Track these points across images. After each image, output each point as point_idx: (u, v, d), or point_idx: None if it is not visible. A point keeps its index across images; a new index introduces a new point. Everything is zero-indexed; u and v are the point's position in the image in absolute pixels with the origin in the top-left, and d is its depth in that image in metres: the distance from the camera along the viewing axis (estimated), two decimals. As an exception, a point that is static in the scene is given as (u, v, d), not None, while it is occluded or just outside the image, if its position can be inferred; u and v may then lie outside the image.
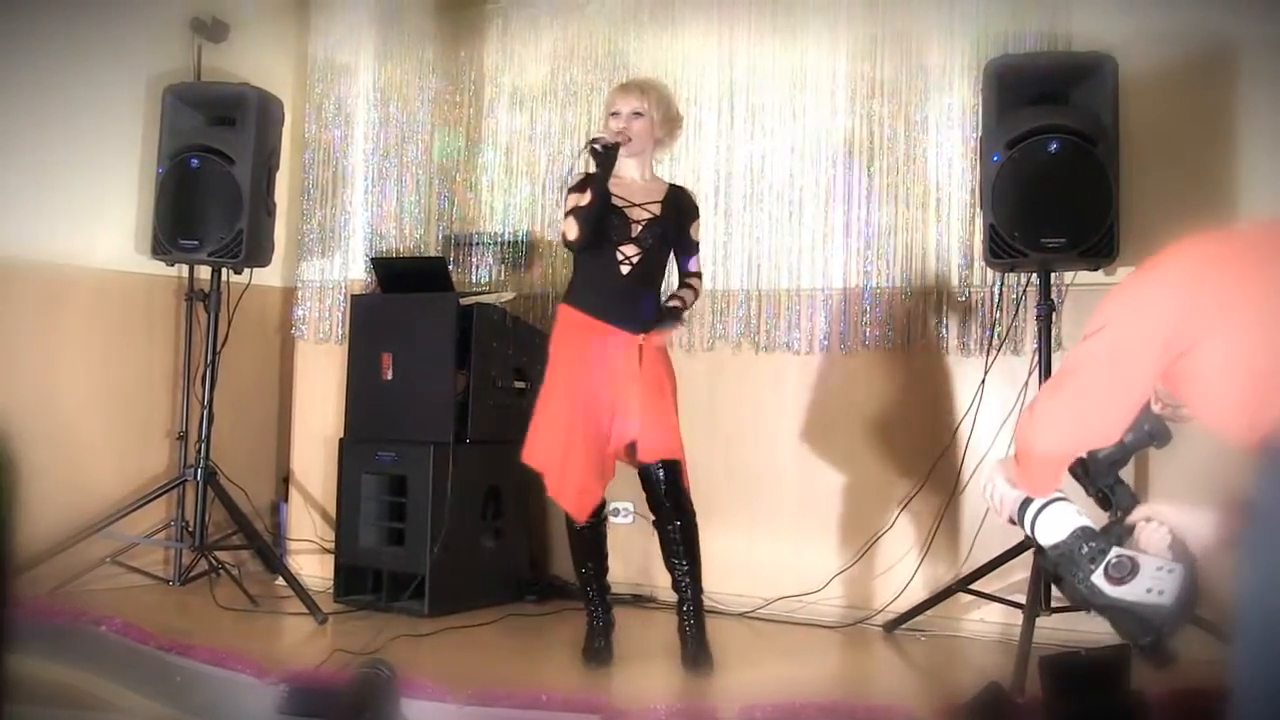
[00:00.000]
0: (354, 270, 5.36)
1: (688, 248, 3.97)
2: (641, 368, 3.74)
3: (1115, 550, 2.14)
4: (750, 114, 4.97)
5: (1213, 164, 4.11)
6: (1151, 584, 2.12)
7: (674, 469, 3.74)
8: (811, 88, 4.86)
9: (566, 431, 3.74)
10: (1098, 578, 2.14)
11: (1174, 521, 2.14)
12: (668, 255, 3.96)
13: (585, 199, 3.74)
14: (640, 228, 3.84)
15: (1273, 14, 4.01)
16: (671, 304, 3.84)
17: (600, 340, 3.79)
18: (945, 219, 4.60)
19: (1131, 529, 2.18)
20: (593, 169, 3.78)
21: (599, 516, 3.88)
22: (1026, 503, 2.28)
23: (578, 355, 3.79)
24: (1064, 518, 2.22)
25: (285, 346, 5.62)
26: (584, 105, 5.26)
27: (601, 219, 3.77)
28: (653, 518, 3.84)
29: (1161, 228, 4.06)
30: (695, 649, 3.75)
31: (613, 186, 3.83)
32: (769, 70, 4.94)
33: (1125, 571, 2.12)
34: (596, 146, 3.76)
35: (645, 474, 3.77)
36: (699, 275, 3.99)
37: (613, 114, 3.86)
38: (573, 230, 3.74)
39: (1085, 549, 2.16)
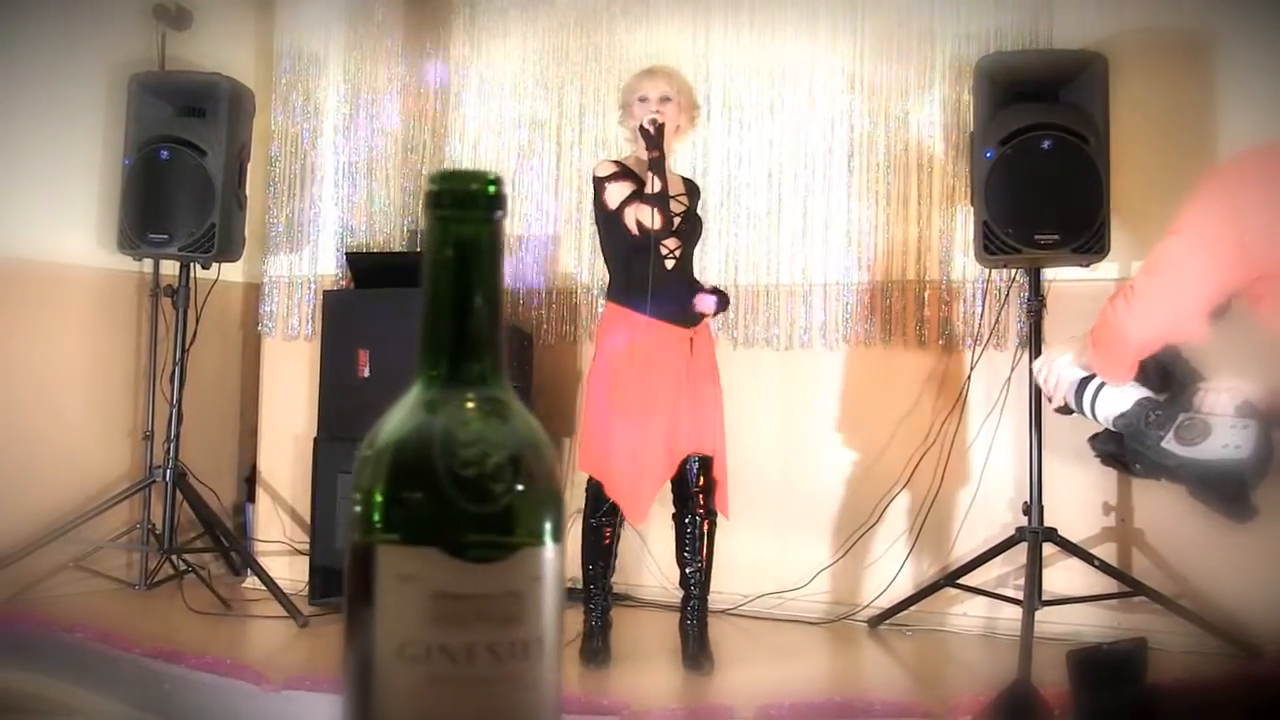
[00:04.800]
0: (323, 265, 5.24)
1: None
2: (691, 362, 3.71)
3: (1183, 415, 2.13)
4: (727, 109, 4.94)
5: (1197, 160, 4.16)
6: (1227, 440, 2.11)
7: (709, 464, 3.72)
8: (789, 83, 4.85)
9: (626, 433, 3.67)
10: (1169, 442, 2.13)
11: (1239, 387, 2.16)
12: (696, 240, 3.97)
13: (630, 187, 3.68)
14: (679, 220, 3.81)
15: (1254, 8, 4.08)
16: (716, 289, 3.84)
17: (654, 337, 3.72)
18: (926, 214, 4.62)
19: (1194, 398, 2.18)
20: (608, 160, 3.74)
21: (619, 517, 3.82)
22: (1083, 385, 2.29)
23: (630, 353, 3.71)
24: (1125, 390, 2.23)
25: (248, 344, 5.48)
26: (555, 99, 5.20)
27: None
28: (673, 510, 3.81)
29: (1151, 225, 4.16)
30: (697, 649, 3.72)
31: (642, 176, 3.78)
32: (746, 65, 4.91)
33: (1196, 433, 2.11)
34: (648, 127, 3.69)
35: (680, 465, 3.73)
36: None
37: (640, 99, 3.80)
38: (649, 218, 3.64)
39: (1152, 416, 2.15)
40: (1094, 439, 2.36)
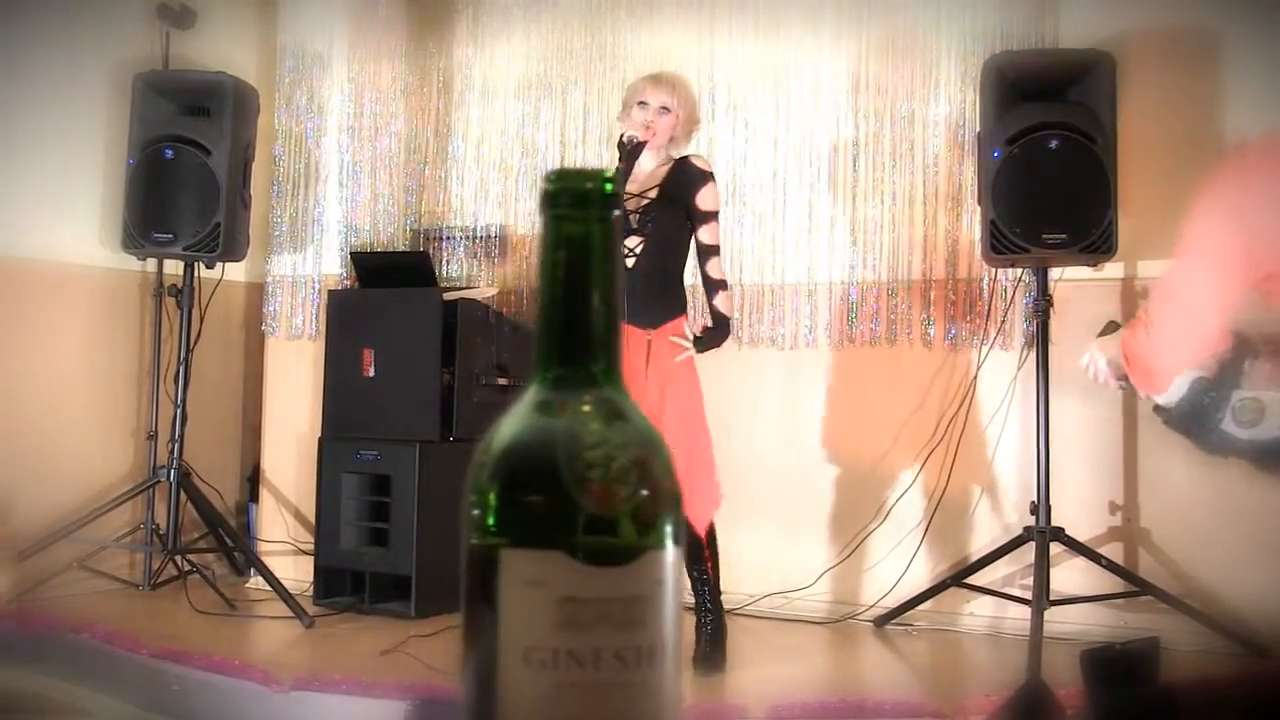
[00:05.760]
0: (327, 264, 5.23)
1: (699, 218, 3.82)
2: (649, 365, 3.68)
3: (1237, 394, 2.14)
4: (731, 108, 4.93)
5: (1205, 159, 4.16)
6: None
7: None
8: (795, 82, 4.84)
9: None
10: (1228, 425, 2.15)
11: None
12: (681, 235, 3.85)
13: None
14: (638, 216, 3.79)
15: (1261, 6, 4.09)
16: (700, 334, 3.82)
17: None
18: (932, 214, 4.62)
19: (1245, 374, 2.19)
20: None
21: None
22: None
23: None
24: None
25: (249, 343, 5.47)
26: (559, 98, 5.20)
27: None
28: None
29: (1159, 224, 4.17)
30: (710, 648, 3.72)
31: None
32: (750, 63, 4.91)
33: (1252, 414, 2.13)
34: (624, 142, 3.71)
35: None
36: (723, 284, 3.88)
37: (640, 103, 3.80)
38: None
39: (1207, 399, 2.17)
40: (1156, 409, 2.38)
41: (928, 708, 3.15)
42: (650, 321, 3.70)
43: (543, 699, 0.60)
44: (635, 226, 3.78)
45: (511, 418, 0.66)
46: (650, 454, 0.64)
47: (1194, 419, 2.18)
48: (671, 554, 0.64)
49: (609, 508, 0.63)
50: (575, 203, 0.65)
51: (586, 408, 0.65)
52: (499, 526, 0.64)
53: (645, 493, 0.64)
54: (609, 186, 0.65)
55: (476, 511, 0.64)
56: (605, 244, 0.65)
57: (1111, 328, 2.45)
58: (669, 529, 0.64)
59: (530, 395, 0.66)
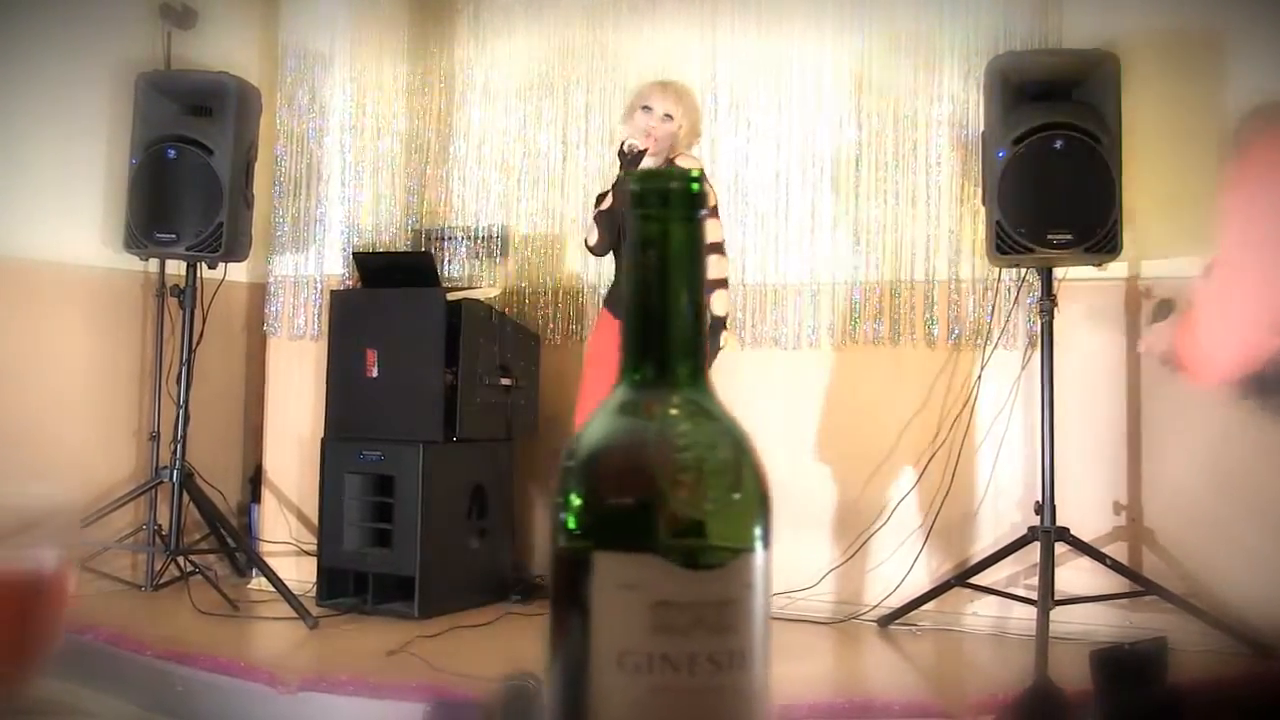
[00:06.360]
0: (329, 265, 5.23)
1: None
2: None
3: None
4: (734, 107, 4.93)
5: (1210, 159, 4.17)
6: None
7: None
8: (797, 81, 4.84)
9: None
10: None
11: None
12: None
13: (605, 204, 3.74)
14: None
15: (1265, 5, 4.09)
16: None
17: (612, 338, 3.76)
18: (935, 213, 4.62)
19: None
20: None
21: None
22: None
23: (602, 357, 3.78)
24: None
25: (251, 343, 5.46)
26: (561, 98, 5.19)
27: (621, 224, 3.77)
28: None
29: (1164, 224, 4.18)
30: None
31: None
32: (753, 63, 4.91)
33: None
34: (625, 150, 3.72)
35: None
36: (720, 283, 3.88)
37: (644, 108, 3.82)
38: (593, 235, 3.74)
39: (1274, 371, 2.18)
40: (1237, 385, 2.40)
41: (935, 708, 3.16)
42: None
43: (636, 703, 0.60)
44: None
45: (598, 419, 0.66)
46: (741, 455, 0.64)
47: (1263, 389, 2.19)
48: (761, 557, 0.64)
49: (703, 510, 0.63)
50: (661, 202, 0.65)
51: (674, 409, 0.64)
52: (590, 530, 0.64)
53: (738, 495, 0.64)
54: (695, 186, 0.65)
55: (565, 514, 0.64)
56: (690, 244, 0.65)
57: (1165, 308, 2.46)
58: (759, 531, 0.64)
59: (616, 396, 0.66)
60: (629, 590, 0.59)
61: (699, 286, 0.65)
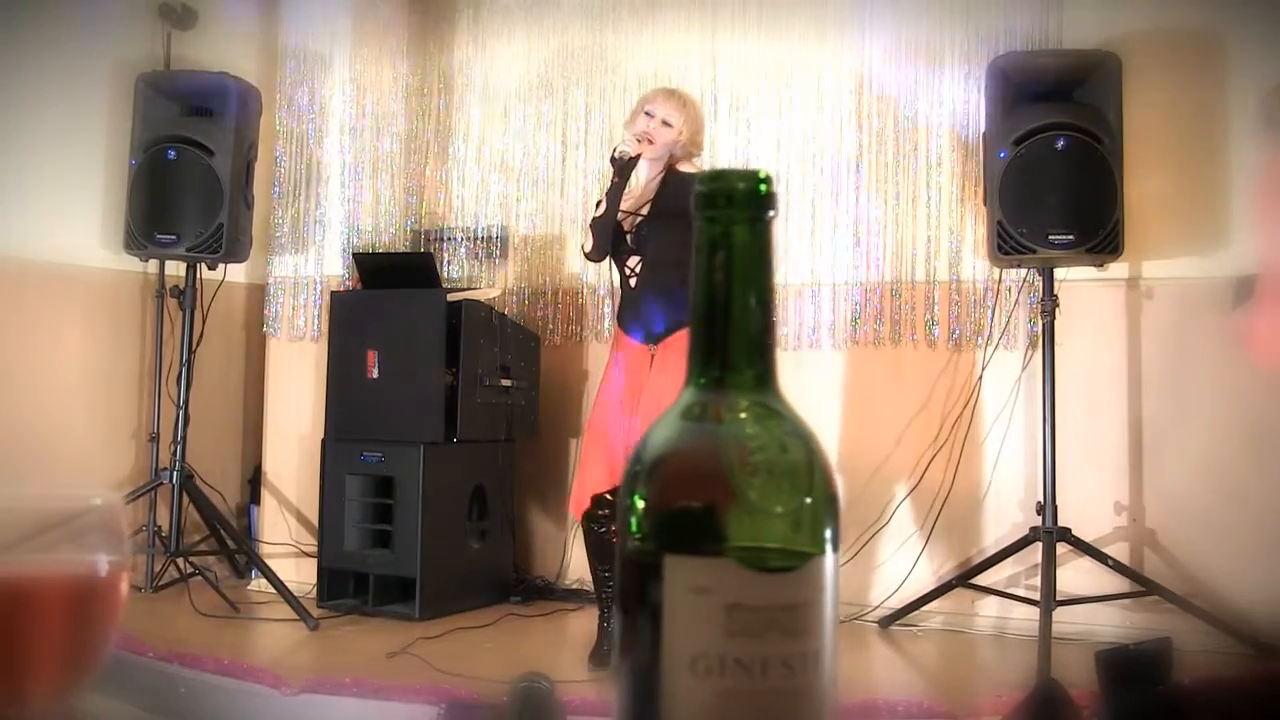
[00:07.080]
0: (328, 266, 5.22)
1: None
2: (649, 376, 3.69)
3: None
4: (734, 108, 4.93)
5: (1211, 159, 4.18)
6: None
7: None
8: (797, 82, 4.84)
9: (591, 443, 3.81)
10: None
11: None
12: (680, 250, 3.81)
13: (600, 211, 3.74)
14: (633, 235, 3.81)
15: (1266, 6, 4.10)
16: None
17: (623, 353, 3.80)
18: (936, 214, 4.62)
19: None
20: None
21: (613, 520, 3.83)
22: None
23: (609, 370, 3.82)
24: None
25: (250, 344, 5.45)
26: (560, 99, 5.19)
27: (617, 231, 3.77)
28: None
29: (1165, 224, 4.18)
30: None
31: (624, 198, 3.81)
32: (753, 64, 4.91)
33: None
34: (616, 155, 3.72)
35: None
36: None
37: (646, 112, 3.81)
38: (588, 242, 3.74)
39: None
40: None
41: (939, 708, 3.16)
42: (653, 336, 3.72)
43: (709, 707, 0.59)
44: (632, 246, 3.79)
45: (666, 422, 0.65)
46: (813, 458, 0.64)
47: None
48: (831, 560, 0.63)
49: (775, 513, 0.62)
50: (728, 203, 0.65)
51: (743, 412, 0.64)
52: (660, 533, 0.63)
53: (809, 499, 0.64)
54: (763, 188, 0.64)
55: (635, 518, 0.63)
56: (759, 245, 0.65)
57: (1246, 286, 2.47)
58: (829, 534, 0.64)
59: (683, 399, 0.66)
60: (701, 594, 0.59)
61: (768, 288, 0.64)
